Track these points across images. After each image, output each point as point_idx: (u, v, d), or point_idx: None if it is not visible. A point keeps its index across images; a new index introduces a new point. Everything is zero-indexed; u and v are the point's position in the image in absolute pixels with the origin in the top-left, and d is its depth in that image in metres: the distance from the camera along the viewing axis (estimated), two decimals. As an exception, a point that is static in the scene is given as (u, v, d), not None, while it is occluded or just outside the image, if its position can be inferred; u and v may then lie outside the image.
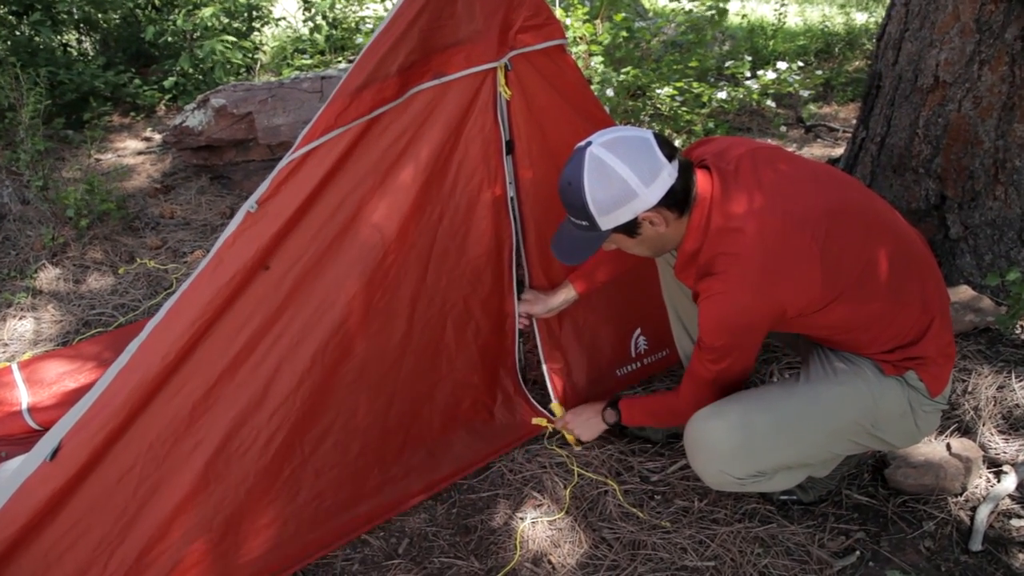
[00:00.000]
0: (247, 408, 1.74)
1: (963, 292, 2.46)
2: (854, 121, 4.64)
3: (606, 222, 1.57)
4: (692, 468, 1.80)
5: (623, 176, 1.52)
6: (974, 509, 1.88)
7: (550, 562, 1.86)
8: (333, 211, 1.76)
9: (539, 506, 2.01)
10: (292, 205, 1.71)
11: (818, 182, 1.60)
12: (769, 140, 4.41)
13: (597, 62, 4.19)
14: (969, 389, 2.23)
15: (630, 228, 1.59)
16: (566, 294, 2.11)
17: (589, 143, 1.56)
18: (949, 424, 2.12)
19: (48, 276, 3.17)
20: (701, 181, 1.59)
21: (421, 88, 1.82)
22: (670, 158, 1.54)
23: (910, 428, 1.70)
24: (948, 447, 1.95)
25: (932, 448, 1.96)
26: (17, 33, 4.82)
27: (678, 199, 1.56)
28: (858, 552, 1.81)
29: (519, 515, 1.99)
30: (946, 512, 1.88)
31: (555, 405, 2.24)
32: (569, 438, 2.17)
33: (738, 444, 1.67)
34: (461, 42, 1.84)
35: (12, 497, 1.57)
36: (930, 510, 1.89)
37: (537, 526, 1.95)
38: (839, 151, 4.21)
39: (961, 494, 1.92)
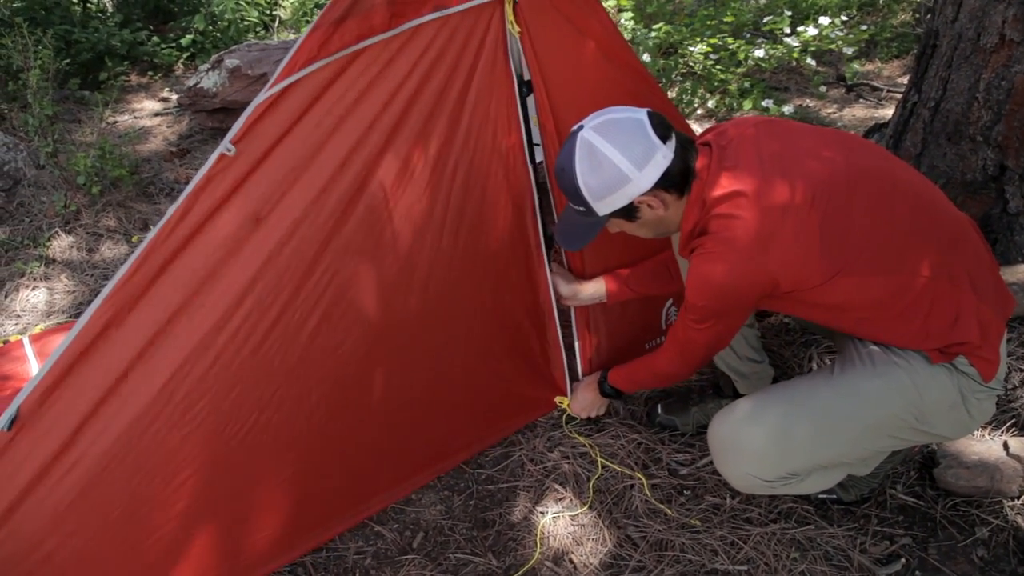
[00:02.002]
0: (250, 385, 1.63)
1: (1021, 272, 2.28)
2: (899, 80, 4.38)
3: (602, 207, 1.54)
4: (717, 469, 1.68)
5: (614, 161, 1.48)
6: (1032, 514, 1.74)
7: (571, 561, 1.76)
8: (331, 162, 1.59)
9: (561, 500, 1.91)
10: (268, 144, 1.53)
11: (828, 151, 1.50)
12: (807, 100, 4.18)
13: (627, 18, 3.97)
14: (1027, 379, 2.07)
15: (628, 212, 1.56)
16: (596, 290, 2.01)
17: (581, 127, 1.52)
18: (1005, 418, 1.97)
19: (61, 244, 3.10)
20: (700, 159, 1.53)
21: (420, 22, 1.63)
22: (664, 139, 1.48)
23: (962, 418, 1.54)
24: (1005, 446, 1.80)
25: (987, 447, 1.81)
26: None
27: (676, 181, 1.51)
28: (903, 559, 1.68)
29: (540, 509, 1.89)
30: (1002, 518, 1.74)
31: (561, 399, 2.14)
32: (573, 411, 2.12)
33: (775, 450, 1.55)
34: None
35: None
36: (984, 515, 1.75)
37: (558, 521, 1.85)
38: (882, 112, 3.97)
39: (1019, 498, 1.78)
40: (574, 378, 2.16)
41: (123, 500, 1.55)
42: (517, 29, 1.74)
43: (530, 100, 1.85)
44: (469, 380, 1.98)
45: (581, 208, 1.56)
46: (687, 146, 1.52)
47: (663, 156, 1.48)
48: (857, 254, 1.44)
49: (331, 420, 1.76)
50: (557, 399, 2.15)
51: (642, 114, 1.50)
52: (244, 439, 1.65)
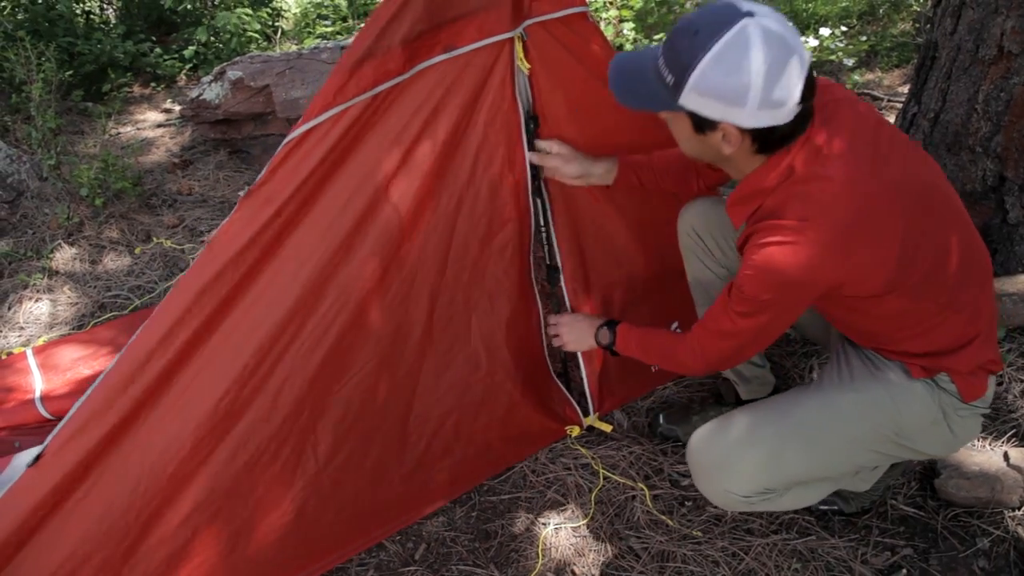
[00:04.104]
0: (256, 416, 1.64)
1: (1021, 282, 2.29)
2: (899, 89, 4.39)
3: (690, 98, 1.31)
4: (696, 484, 1.65)
5: (749, 81, 1.23)
6: (1033, 525, 1.75)
7: (573, 572, 1.77)
8: (337, 200, 1.62)
9: (563, 511, 1.91)
10: (288, 190, 1.57)
11: (910, 154, 1.41)
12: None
13: (628, 28, 3.99)
14: (1028, 390, 2.08)
15: (702, 124, 1.35)
16: (608, 167, 1.85)
17: (752, 14, 1.24)
18: (1006, 429, 1.97)
19: (64, 256, 3.11)
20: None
21: (431, 63, 1.66)
22: (803, 100, 1.27)
23: (945, 435, 1.52)
24: (1006, 456, 1.81)
25: (988, 457, 1.81)
26: (37, 2, 4.72)
27: (770, 140, 1.33)
28: (904, 570, 1.68)
29: (542, 520, 1.89)
30: (1003, 528, 1.75)
31: (571, 428, 2.12)
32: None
33: (766, 469, 1.54)
34: (473, 12, 1.68)
35: None
36: (985, 525, 1.76)
37: (560, 533, 1.86)
38: (884, 122, 3.98)
39: (1020, 508, 1.78)
40: (585, 413, 2.14)
41: (136, 530, 1.56)
42: (527, 66, 1.76)
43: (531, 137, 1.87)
44: (478, 410, 1.98)
45: (670, 78, 1.31)
46: (807, 117, 1.33)
47: (787, 113, 1.27)
48: (919, 277, 1.37)
49: (337, 449, 1.77)
50: (567, 428, 2.11)
51: (808, 57, 1.28)
52: (252, 468, 1.66)
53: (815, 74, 1.32)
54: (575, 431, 2.10)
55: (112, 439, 1.50)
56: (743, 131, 1.31)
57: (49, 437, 1.50)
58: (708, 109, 1.30)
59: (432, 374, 1.88)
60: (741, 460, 1.55)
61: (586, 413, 2.13)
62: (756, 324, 1.45)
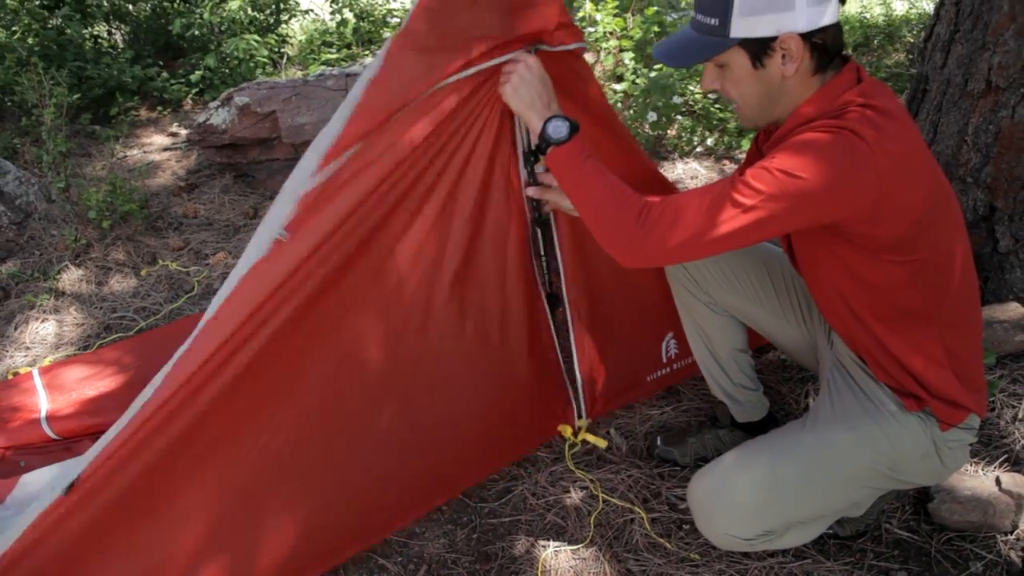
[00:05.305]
0: (255, 419, 1.69)
1: (1012, 310, 2.34)
2: (895, 119, 4.48)
3: (740, 26, 1.32)
4: (698, 526, 1.67)
5: None
6: (1025, 549, 1.77)
7: (573, 594, 1.79)
8: (344, 227, 1.67)
9: (562, 533, 1.94)
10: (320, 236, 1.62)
11: (931, 159, 1.43)
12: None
13: (628, 58, 4.07)
14: (1019, 416, 2.11)
15: (760, 49, 1.34)
16: None
17: None
18: (998, 454, 2.01)
19: (71, 277, 3.15)
20: (849, 65, 1.38)
21: (439, 88, 1.66)
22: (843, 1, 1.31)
23: (935, 467, 1.57)
24: (998, 481, 1.84)
25: (980, 482, 1.85)
26: (48, 27, 4.81)
27: (826, 48, 1.33)
28: (899, 593, 1.71)
29: (541, 543, 1.91)
30: (995, 552, 1.77)
31: (563, 427, 2.17)
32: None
33: (761, 502, 1.56)
34: (484, 36, 1.71)
35: (23, 534, 1.52)
36: (978, 549, 1.79)
37: (560, 555, 1.88)
38: (879, 151, 4.05)
39: (1012, 532, 1.81)
40: (580, 415, 2.19)
41: (143, 540, 1.60)
42: None
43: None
44: (472, 412, 2.02)
45: (713, 20, 1.34)
46: (841, 32, 1.36)
47: (833, 11, 1.30)
48: (922, 257, 1.38)
49: (333, 450, 1.80)
50: (560, 427, 2.17)
51: None
52: (252, 465, 1.69)
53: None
54: (567, 431, 2.14)
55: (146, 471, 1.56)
56: (803, 40, 1.31)
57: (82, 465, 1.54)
58: (761, 26, 1.31)
59: (429, 375, 1.91)
60: (755, 498, 1.56)
61: (580, 416, 2.19)
62: (751, 211, 1.31)
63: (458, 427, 1.99)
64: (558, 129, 1.56)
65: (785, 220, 1.33)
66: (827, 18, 1.31)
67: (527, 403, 2.12)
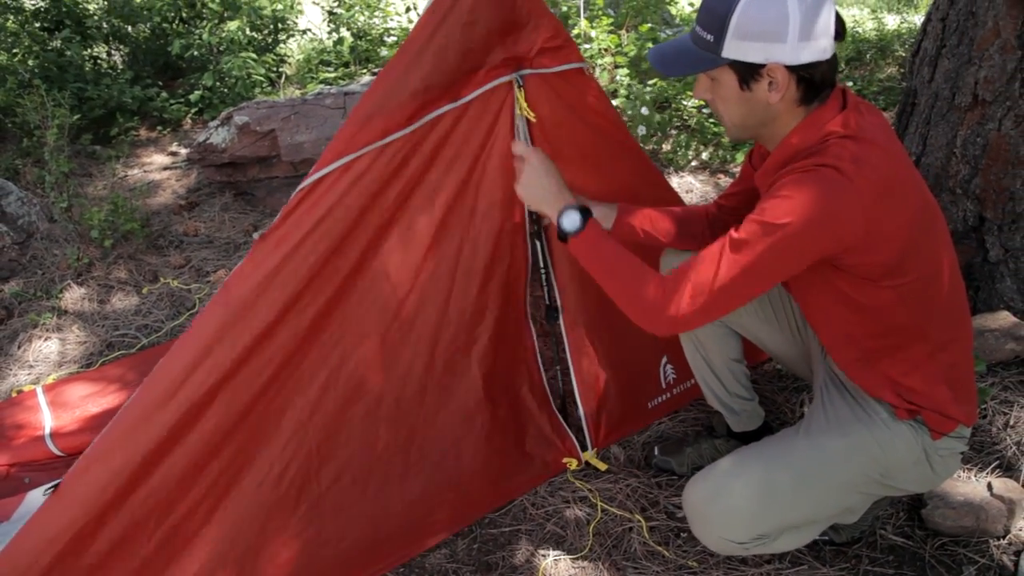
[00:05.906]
0: (260, 441, 1.72)
1: (1003, 318, 2.37)
2: (887, 131, 4.53)
3: (733, 48, 1.36)
4: (692, 531, 1.68)
5: (788, 12, 1.30)
6: (1018, 554, 1.79)
7: (573, 603, 1.81)
8: (342, 242, 1.71)
9: (562, 543, 1.96)
10: (299, 234, 1.67)
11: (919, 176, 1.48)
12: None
13: (622, 74, 4.13)
14: (1011, 423, 2.14)
15: (748, 73, 1.38)
16: (605, 213, 1.84)
17: None
18: (990, 460, 2.04)
19: (73, 296, 3.18)
20: (835, 93, 1.43)
21: (438, 113, 1.77)
22: (837, 36, 1.35)
23: (926, 474, 1.59)
24: (989, 487, 1.87)
25: (972, 488, 1.88)
26: (48, 49, 4.87)
27: (814, 82, 1.38)
28: (894, 598, 1.74)
29: (541, 552, 1.94)
30: (988, 557, 1.80)
31: (569, 460, 2.17)
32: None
33: (756, 506, 1.58)
34: (480, 67, 1.79)
35: (13, 539, 1.54)
36: (971, 554, 1.81)
37: (560, 564, 1.90)
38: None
39: (1004, 537, 1.84)
40: (583, 447, 2.19)
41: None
42: (532, 114, 1.86)
43: None
44: (478, 444, 2.05)
45: (709, 36, 1.38)
46: (835, 67, 1.39)
47: (825, 48, 1.34)
48: (914, 277, 1.42)
49: (337, 483, 1.84)
50: (565, 460, 2.16)
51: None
52: (256, 496, 1.73)
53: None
54: (573, 464, 2.15)
55: (133, 472, 1.58)
56: (789, 72, 1.36)
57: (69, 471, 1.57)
58: (752, 52, 1.35)
59: (433, 408, 1.95)
60: (750, 501, 1.58)
61: (584, 447, 2.18)
62: (746, 262, 1.36)
63: (463, 460, 2.03)
64: (572, 222, 1.61)
65: (787, 264, 1.39)
66: (817, 55, 1.35)
67: (532, 434, 2.15)
